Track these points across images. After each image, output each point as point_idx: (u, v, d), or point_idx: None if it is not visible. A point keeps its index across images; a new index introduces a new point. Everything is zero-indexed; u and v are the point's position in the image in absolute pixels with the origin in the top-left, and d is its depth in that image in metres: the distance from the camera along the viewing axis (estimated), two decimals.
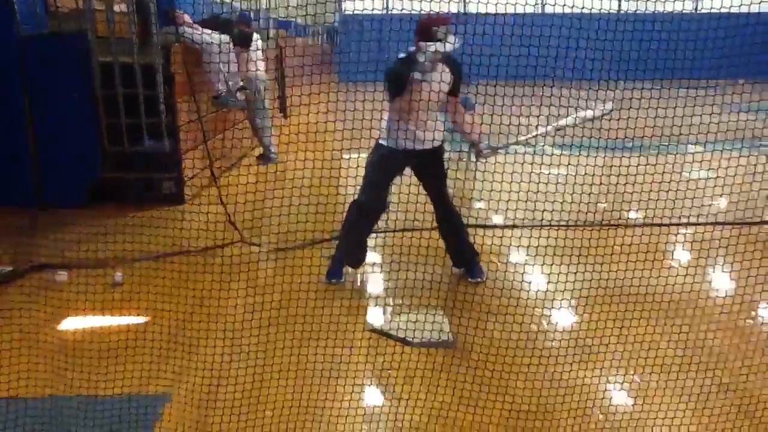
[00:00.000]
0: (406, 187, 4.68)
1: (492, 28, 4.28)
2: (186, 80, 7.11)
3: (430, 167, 4.99)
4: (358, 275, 5.30)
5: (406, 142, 4.73)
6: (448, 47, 4.57)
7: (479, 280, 5.16)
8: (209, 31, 7.80)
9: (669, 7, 4.86)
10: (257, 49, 9.13)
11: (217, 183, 6.89)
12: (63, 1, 7.04)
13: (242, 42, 8.90)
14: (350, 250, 5.15)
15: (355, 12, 4.95)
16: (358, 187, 5.08)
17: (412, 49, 4.69)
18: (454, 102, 4.92)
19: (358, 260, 5.19)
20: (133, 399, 3.45)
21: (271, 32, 12.80)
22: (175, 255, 5.37)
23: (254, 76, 8.99)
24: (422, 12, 4.65)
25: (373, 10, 6.66)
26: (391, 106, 4.78)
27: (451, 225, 5.14)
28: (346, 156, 5.67)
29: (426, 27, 4.64)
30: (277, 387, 3.54)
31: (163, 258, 5.28)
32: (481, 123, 4.63)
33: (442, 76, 4.68)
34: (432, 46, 4.55)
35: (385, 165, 4.90)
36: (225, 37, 7.98)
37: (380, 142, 4.92)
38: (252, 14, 10.21)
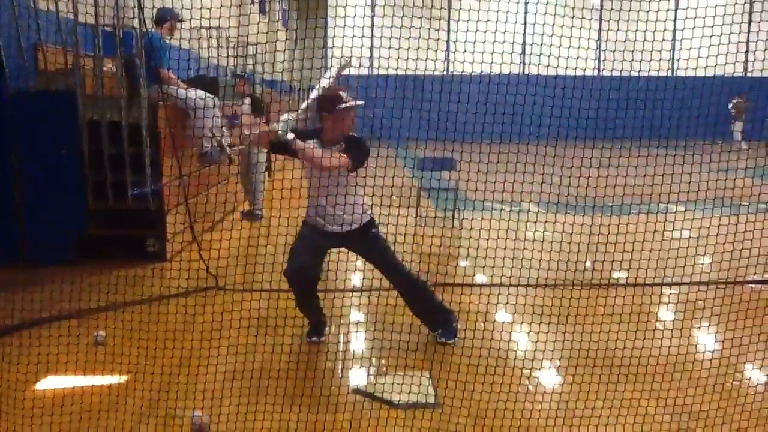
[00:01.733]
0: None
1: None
2: (171, 138, 7.15)
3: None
4: (341, 336, 5.25)
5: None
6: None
7: (447, 341, 5.00)
8: (197, 91, 7.88)
9: (646, 68, 5.00)
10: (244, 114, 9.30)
11: (198, 240, 6.90)
12: (52, 59, 7.11)
13: (257, 110, 9.38)
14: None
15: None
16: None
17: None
18: None
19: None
20: None
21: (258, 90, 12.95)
22: (156, 306, 5.32)
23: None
24: (406, 71, 4.75)
25: (360, 68, 6.79)
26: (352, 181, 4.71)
27: (411, 294, 5.02)
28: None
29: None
30: None
31: (148, 312, 5.23)
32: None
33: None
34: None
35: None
36: (211, 97, 8.06)
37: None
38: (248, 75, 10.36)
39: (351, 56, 4.74)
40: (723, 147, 5.37)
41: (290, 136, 4.38)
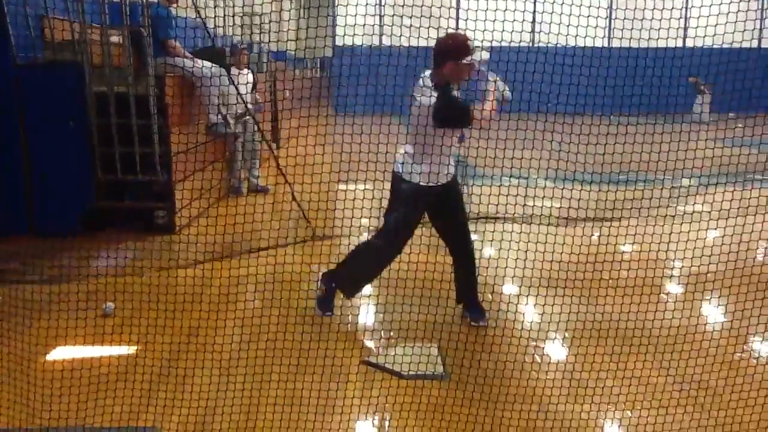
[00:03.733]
0: None
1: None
2: (180, 110, 7.13)
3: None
4: (351, 308, 5.27)
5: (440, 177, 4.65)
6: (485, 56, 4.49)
7: (474, 323, 4.95)
8: (203, 62, 7.84)
9: (659, 44, 4.93)
10: (247, 83, 9.17)
11: (208, 213, 6.91)
12: (59, 31, 7.07)
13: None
14: (354, 286, 5.08)
15: (347, 45, 4.99)
16: (354, 220, 5.03)
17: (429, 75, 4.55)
18: None
19: (353, 293, 5.12)
20: (122, 431, 3.40)
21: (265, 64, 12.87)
22: (169, 275, 5.34)
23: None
24: (418, 40, 4.67)
25: (363, 43, 6.74)
26: (435, 140, 4.54)
27: (468, 260, 4.99)
28: (341, 187, 5.68)
29: (463, 43, 4.47)
30: (269, 420, 3.49)
31: (156, 285, 5.25)
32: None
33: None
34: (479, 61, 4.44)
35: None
36: (218, 68, 8.01)
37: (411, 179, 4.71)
38: (247, 46, 10.26)
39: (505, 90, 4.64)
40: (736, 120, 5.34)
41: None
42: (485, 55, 4.46)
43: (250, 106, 8.98)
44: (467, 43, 4.45)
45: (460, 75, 4.53)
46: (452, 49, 4.46)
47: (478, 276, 5.09)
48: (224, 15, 10.44)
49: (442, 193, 4.72)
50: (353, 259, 5.03)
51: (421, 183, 4.62)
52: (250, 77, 9.41)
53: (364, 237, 6.26)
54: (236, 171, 9.43)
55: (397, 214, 4.75)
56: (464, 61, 4.42)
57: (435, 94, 4.45)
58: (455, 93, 4.58)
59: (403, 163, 4.67)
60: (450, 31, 4.67)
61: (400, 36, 4.93)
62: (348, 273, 5.02)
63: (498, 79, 4.54)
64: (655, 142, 5.11)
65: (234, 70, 8.99)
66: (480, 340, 4.38)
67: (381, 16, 6.25)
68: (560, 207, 5.80)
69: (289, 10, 13.96)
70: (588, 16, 4.74)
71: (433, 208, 4.87)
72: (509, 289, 5.75)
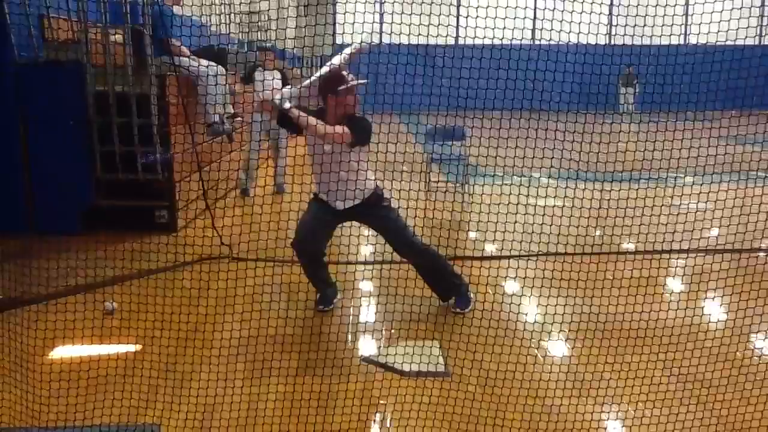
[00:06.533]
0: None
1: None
2: (180, 109, 7.12)
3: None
4: (352, 306, 5.26)
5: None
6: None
7: (461, 310, 5.03)
8: (204, 62, 7.83)
9: (659, 41, 4.92)
10: (273, 88, 9.24)
11: (211, 209, 6.89)
12: (59, 31, 7.07)
13: (287, 84, 9.21)
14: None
15: (346, 43, 4.99)
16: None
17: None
18: None
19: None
20: (122, 430, 3.39)
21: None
22: (166, 278, 5.34)
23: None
24: (418, 37, 4.69)
25: (362, 41, 6.73)
26: (362, 157, 4.74)
27: (424, 266, 5.04)
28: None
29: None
30: (270, 418, 3.49)
31: (155, 286, 5.24)
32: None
33: None
34: None
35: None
36: (220, 68, 8.01)
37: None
38: (248, 45, 10.27)
39: (370, 42, 4.70)
40: (733, 115, 5.36)
41: (287, 105, 4.38)
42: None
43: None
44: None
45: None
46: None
47: (447, 269, 5.10)
48: (223, 13, 10.40)
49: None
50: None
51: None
52: (278, 75, 9.42)
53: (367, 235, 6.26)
54: (253, 171, 9.51)
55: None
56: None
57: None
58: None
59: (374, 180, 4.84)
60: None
61: (399, 34, 4.94)
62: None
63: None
64: (656, 141, 5.11)
65: (258, 74, 9.05)
66: (482, 338, 4.37)
67: (381, 14, 6.24)
68: (563, 206, 5.79)
69: (287, 7, 13.92)
70: (590, 13, 4.73)
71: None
72: (510, 287, 5.74)
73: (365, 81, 4.72)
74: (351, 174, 4.68)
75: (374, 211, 4.87)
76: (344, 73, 4.61)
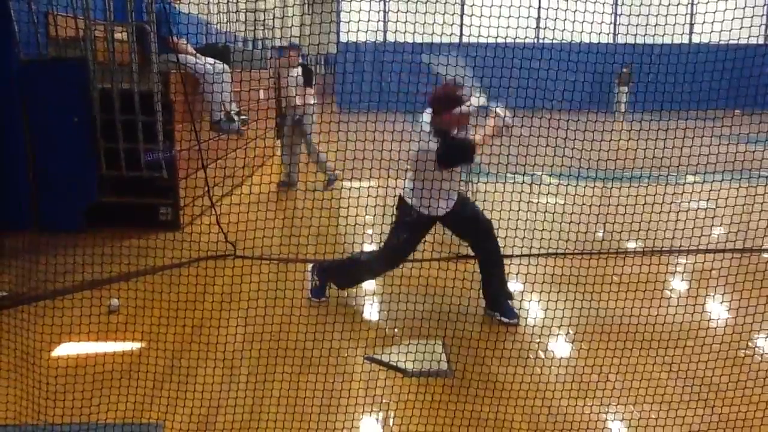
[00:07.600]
0: None
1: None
2: (185, 107, 7.13)
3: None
4: (355, 305, 5.27)
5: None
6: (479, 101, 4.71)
7: (510, 321, 4.94)
8: (210, 59, 7.83)
9: (665, 40, 4.92)
10: (297, 85, 9.36)
11: (215, 206, 6.91)
12: (63, 28, 7.07)
13: (308, 80, 9.51)
14: (345, 282, 5.31)
15: (351, 41, 4.98)
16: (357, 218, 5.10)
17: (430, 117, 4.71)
18: None
19: (344, 288, 5.37)
20: (126, 427, 3.41)
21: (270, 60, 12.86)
22: (171, 275, 5.35)
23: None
24: (423, 35, 4.69)
25: (367, 40, 6.74)
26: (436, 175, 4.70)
27: (489, 266, 5.08)
28: (346, 184, 5.67)
29: (454, 95, 4.66)
30: (273, 417, 3.50)
31: (160, 283, 5.26)
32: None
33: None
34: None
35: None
36: (225, 66, 8.01)
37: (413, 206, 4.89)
38: (253, 42, 10.30)
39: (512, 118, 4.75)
40: (735, 114, 5.36)
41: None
42: (482, 101, 4.68)
43: (299, 102, 9.19)
44: (458, 94, 4.64)
45: (458, 123, 4.71)
46: (448, 100, 4.66)
47: (502, 276, 5.09)
48: (228, 11, 10.41)
49: (447, 216, 4.91)
50: (350, 263, 5.31)
51: (422, 211, 4.82)
52: (300, 71, 9.52)
53: (364, 235, 6.28)
54: (295, 165, 9.72)
55: (400, 236, 4.96)
56: (460, 111, 4.61)
57: (435, 139, 4.63)
58: (455, 133, 4.73)
59: (412, 189, 4.82)
60: (448, 78, 4.77)
61: (404, 32, 4.95)
62: (343, 272, 5.28)
63: (499, 108, 4.71)
64: (656, 140, 5.10)
65: (283, 72, 9.16)
66: (485, 337, 4.38)
67: (386, 12, 6.24)
68: (564, 203, 5.80)
69: (292, 5, 13.92)
70: (594, 12, 4.74)
71: (445, 224, 5.10)
72: (513, 286, 5.73)
73: (483, 105, 4.76)
74: (444, 184, 4.75)
75: (464, 206, 5.00)
76: (459, 93, 4.66)
